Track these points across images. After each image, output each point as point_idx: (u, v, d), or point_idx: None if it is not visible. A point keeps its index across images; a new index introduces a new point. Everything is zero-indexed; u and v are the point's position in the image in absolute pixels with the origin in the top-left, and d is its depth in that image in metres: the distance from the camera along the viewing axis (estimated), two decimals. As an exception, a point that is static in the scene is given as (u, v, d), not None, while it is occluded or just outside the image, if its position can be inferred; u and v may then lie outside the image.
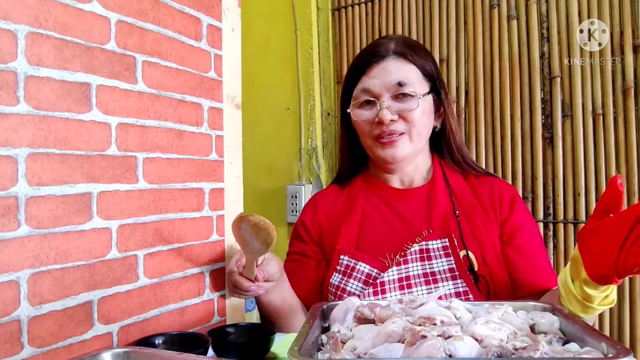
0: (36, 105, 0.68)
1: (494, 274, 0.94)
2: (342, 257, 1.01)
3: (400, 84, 0.98)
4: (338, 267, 1.00)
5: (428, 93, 1.02)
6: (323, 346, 0.64)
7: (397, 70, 1.00)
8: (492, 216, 1.01)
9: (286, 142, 1.78)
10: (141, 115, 0.83)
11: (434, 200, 1.02)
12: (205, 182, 0.97)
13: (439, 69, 1.08)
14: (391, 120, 0.98)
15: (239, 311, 1.05)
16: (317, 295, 1.04)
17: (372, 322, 0.67)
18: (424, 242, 0.97)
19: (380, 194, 1.07)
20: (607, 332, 1.31)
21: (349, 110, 1.04)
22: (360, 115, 1.02)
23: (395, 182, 1.08)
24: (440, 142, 1.09)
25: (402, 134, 1.00)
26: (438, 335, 0.54)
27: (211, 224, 0.98)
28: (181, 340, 0.80)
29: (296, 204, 1.71)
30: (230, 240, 1.03)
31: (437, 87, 1.04)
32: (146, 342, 0.77)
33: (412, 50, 1.02)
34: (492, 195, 1.03)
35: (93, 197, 0.75)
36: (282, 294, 0.97)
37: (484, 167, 1.42)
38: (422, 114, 1.00)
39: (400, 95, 0.99)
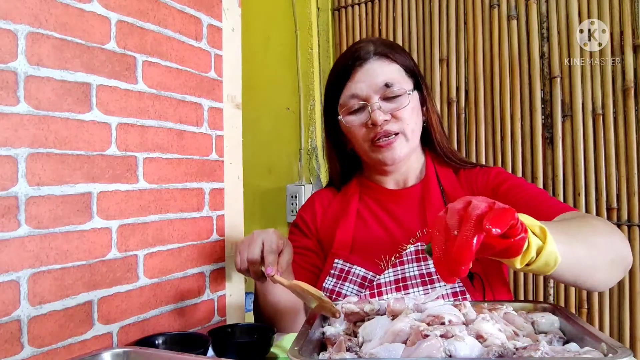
0: (36, 105, 0.68)
1: (487, 269, 0.94)
2: (336, 260, 1.00)
3: (387, 85, 0.98)
4: (332, 271, 1.00)
5: (413, 89, 1.02)
6: (325, 348, 0.64)
7: (382, 72, 0.99)
8: None
9: (286, 142, 1.78)
10: (141, 115, 0.83)
11: (427, 200, 1.02)
12: (205, 182, 0.97)
13: (417, 65, 1.08)
14: (385, 121, 0.98)
15: (239, 311, 1.05)
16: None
17: (362, 317, 0.67)
18: (419, 243, 0.97)
19: (375, 196, 1.07)
20: (607, 332, 1.31)
21: (340, 118, 1.03)
22: (352, 121, 1.01)
23: (390, 183, 1.08)
24: (427, 138, 1.09)
25: (397, 134, 0.99)
26: (441, 335, 0.54)
27: (211, 224, 0.98)
28: (181, 340, 0.79)
29: (296, 204, 1.71)
30: (230, 240, 1.03)
31: (419, 83, 1.04)
32: (146, 342, 0.77)
33: (392, 50, 1.03)
34: (472, 188, 1.03)
35: (93, 197, 0.75)
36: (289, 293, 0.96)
37: (483, 167, 1.42)
38: (413, 110, 1.00)
39: (389, 95, 0.99)
